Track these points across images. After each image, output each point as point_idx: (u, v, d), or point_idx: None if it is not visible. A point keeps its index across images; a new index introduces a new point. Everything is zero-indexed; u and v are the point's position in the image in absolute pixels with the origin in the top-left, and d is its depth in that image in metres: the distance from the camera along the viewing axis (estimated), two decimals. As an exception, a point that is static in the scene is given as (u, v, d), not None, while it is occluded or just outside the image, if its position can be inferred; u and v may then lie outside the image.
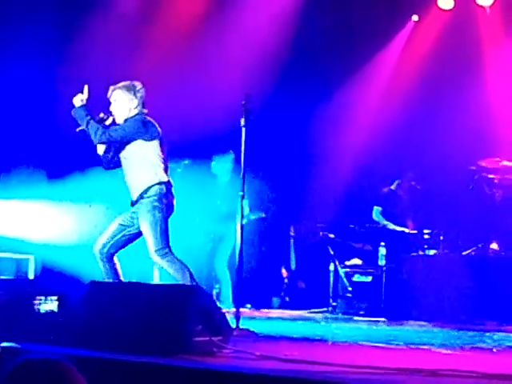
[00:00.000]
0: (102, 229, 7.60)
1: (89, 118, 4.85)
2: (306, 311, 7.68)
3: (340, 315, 7.30)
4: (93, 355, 3.37)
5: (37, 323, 3.90)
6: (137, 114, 4.87)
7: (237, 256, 5.04)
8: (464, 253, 7.07)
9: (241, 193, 5.06)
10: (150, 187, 4.79)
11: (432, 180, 7.87)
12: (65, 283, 5.56)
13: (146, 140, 4.80)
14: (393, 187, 8.02)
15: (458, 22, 8.27)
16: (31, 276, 7.34)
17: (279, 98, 8.51)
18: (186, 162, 6.88)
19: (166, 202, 4.81)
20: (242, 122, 5.02)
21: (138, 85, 4.93)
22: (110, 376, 3.17)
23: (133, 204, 4.89)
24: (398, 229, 7.78)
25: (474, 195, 7.15)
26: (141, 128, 4.80)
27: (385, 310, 7.09)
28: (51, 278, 7.31)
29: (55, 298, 3.91)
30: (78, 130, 4.93)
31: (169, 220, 4.87)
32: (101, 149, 4.98)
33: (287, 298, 8.52)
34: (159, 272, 7.82)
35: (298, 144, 8.66)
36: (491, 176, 7.08)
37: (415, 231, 7.66)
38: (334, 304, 7.58)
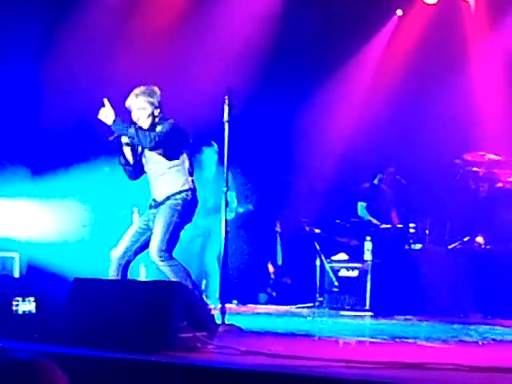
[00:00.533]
0: (90, 227, 7.64)
1: (133, 125, 4.68)
2: (293, 306, 7.67)
3: (326, 310, 7.30)
4: (77, 353, 3.34)
5: (15, 321, 3.86)
6: (165, 119, 4.77)
7: (222, 251, 5.02)
8: (450, 247, 7.10)
9: (224, 188, 5.03)
10: (178, 193, 4.70)
11: (417, 174, 7.88)
12: (49, 281, 5.53)
13: (180, 146, 4.74)
14: (375, 181, 8.03)
15: (443, 16, 8.27)
16: (16, 274, 7.29)
17: (262, 93, 8.49)
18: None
19: (188, 209, 4.73)
20: (225, 116, 5.00)
21: (157, 89, 4.82)
22: (95, 373, 3.14)
23: (155, 206, 4.78)
24: (383, 225, 7.79)
25: (460, 189, 7.17)
26: (179, 133, 4.73)
27: (371, 304, 7.10)
28: (36, 276, 7.26)
29: (33, 299, 3.86)
30: (111, 138, 4.70)
31: (183, 227, 4.75)
32: (131, 159, 4.79)
33: (274, 294, 8.51)
34: (145, 269, 7.79)
35: (282, 139, 8.64)
36: (476, 170, 7.10)
37: (401, 225, 7.68)
38: (321, 299, 7.58)
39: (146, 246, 4.80)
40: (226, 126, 5.03)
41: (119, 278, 4.73)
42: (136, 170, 4.84)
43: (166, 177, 4.75)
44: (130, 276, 5.48)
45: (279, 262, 8.72)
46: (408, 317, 6.45)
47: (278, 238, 8.71)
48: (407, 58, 8.49)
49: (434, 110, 7.93)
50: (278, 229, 8.72)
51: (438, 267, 6.89)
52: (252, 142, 8.17)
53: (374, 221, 7.82)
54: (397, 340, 4.46)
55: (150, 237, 4.74)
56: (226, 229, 5.01)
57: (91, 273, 5.68)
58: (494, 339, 4.68)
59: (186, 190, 4.73)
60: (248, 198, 7.88)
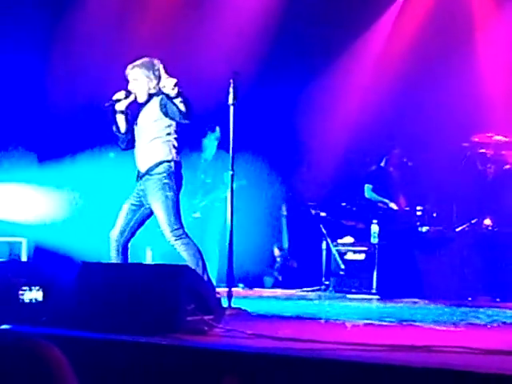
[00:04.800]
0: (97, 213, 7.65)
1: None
2: (299, 290, 7.67)
3: (333, 293, 7.29)
4: (84, 336, 3.34)
5: (22, 309, 3.86)
6: (161, 93, 4.78)
7: (227, 235, 5.01)
8: (457, 229, 7.06)
9: (231, 172, 5.02)
10: (160, 163, 4.75)
11: (424, 156, 7.83)
12: (57, 265, 5.53)
13: (170, 119, 4.78)
14: (382, 164, 7.99)
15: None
16: (24, 258, 7.32)
17: (268, 76, 8.44)
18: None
19: (175, 179, 4.77)
20: (231, 100, 4.97)
21: (157, 62, 4.85)
22: (102, 356, 3.15)
23: (139, 177, 4.85)
24: (392, 205, 7.76)
25: (467, 171, 7.12)
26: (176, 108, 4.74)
27: (378, 287, 7.08)
28: (43, 260, 7.29)
29: (40, 287, 3.86)
30: (106, 104, 4.84)
31: (179, 198, 4.80)
32: (123, 128, 4.88)
33: (280, 277, 8.51)
34: (152, 252, 7.81)
35: (287, 122, 8.60)
36: (484, 151, 7.05)
37: (407, 208, 7.64)
38: (327, 282, 7.57)
39: (142, 223, 4.88)
40: (232, 108, 5.00)
41: (120, 258, 4.78)
42: (128, 139, 4.91)
43: (151, 146, 4.80)
44: (135, 259, 5.50)
45: (285, 246, 8.71)
46: (415, 300, 6.43)
47: (284, 222, 8.69)
48: (413, 39, 8.41)
49: (441, 92, 7.86)
50: (284, 212, 8.71)
51: (446, 250, 6.87)
52: (257, 125, 8.14)
53: (385, 200, 7.77)
54: (404, 323, 4.44)
55: (145, 214, 4.82)
56: (232, 213, 4.99)
57: (98, 256, 5.70)
58: (503, 322, 4.66)
59: (169, 161, 4.76)
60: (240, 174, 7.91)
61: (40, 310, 3.86)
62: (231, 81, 4.98)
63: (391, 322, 4.49)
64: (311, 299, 6.64)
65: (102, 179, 7.76)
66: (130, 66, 4.86)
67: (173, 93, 4.60)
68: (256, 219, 8.48)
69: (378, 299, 6.77)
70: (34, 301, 3.93)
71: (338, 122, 8.41)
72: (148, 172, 4.78)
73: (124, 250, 4.84)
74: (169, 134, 4.80)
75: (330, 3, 8.36)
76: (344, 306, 5.98)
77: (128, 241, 4.85)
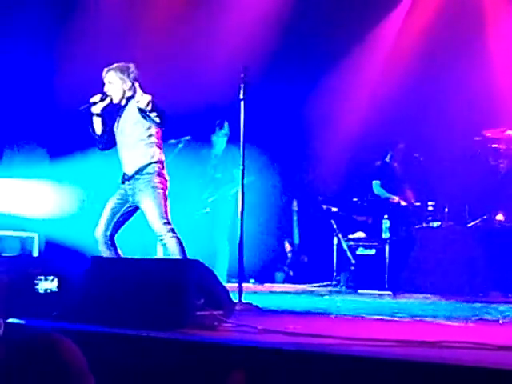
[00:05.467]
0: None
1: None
2: (310, 285, 7.66)
3: (344, 289, 7.28)
4: (94, 330, 3.35)
5: (37, 300, 3.88)
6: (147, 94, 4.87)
7: (238, 230, 5.00)
8: (469, 224, 7.02)
9: (241, 167, 5.01)
10: (148, 164, 4.88)
11: (436, 151, 7.78)
12: (68, 260, 5.56)
13: (153, 122, 4.88)
14: (387, 159, 7.95)
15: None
16: (36, 254, 7.36)
17: (278, 72, 8.42)
18: (187, 137, 6.88)
19: (162, 179, 4.91)
20: (241, 94, 4.96)
21: (131, 66, 5.00)
22: (113, 350, 3.15)
23: (126, 179, 4.95)
24: (401, 201, 7.72)
25: (479, 166, 7.07)
26: (156, 111, 4.84)
27: (389, 282, 7.06)
28: (55, 256, 7.32)
29: (55, 277, 3.88)
30: (82, 107, 5.02)
31: (167, 195, 4.92)
32: (99, 130, 5.02)
33: (291, 273, 8.51)
34: (163, 248, 7.82)
35: (297, 118, 8.59)
36: (496, 146, 6.99)
37: (418, 203, 7.60)
38: (338, 278, 7.56)
39: (128, 217, 4.99)
40: (242, 104, 5.00)
41: (111, 251, 4.89)
42: (104, 141, 5.04)
43: (135, 150, 4.90)
44: (146, 255, 5.53)
45: (296, 241, 8.71)
46: (427, 295, 6.40)
47: (295, 217, 8.69)
48: (423, 34, 8.36)
49: (452, 87, 7.81)
50: (295, 207, 8.70)
51: (457, 245, 6.82)
52: (267, 120, 8.13)
53: (393, 197, 7.74)
54: (415, 318, 4.41)
55: (128, 211, 4.94)
56: (243, 208, 4.99)
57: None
58: (514, 317, 4.62)
59: (156, 162, 4.88)
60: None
61: (55, 300, 3.88)
62: (242, 75, 4.98)
63: (402, 317, 4.47)
64: (322, 294, 6.63)
65: (113, 175, 7.78)
66: (105, 70, 5.01)
67: (147, 109, 4.74)
68: (267, 214, 8.48)
69: (389, 294, 6.75)
70: (49, 291, 3.96)
71: (348, 117, 8.38)
72: (138, 173, 4.89)
73: (112, 244, 4.94)
74: (150, 135, 4.91)
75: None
76: (355, 301, 5.96)
77: (113, 235, 4.95)
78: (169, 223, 4.82)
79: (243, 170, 5.02)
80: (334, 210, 7.99)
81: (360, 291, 7.02)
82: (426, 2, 8.58)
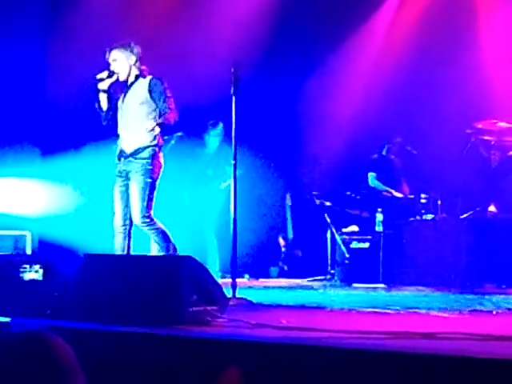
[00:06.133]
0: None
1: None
2: (304, 280, 7.66)
3: (338, 282, 7.28)
4: (87, 327, 3.34)
5: (27, 296, 3.86)
6: (154, 78, 5.02)
7: (231, 225, 4.99)
8: (462, 216, 7.03)
9: (233, 161, 5.00)
10: (146, 147, 4.90)
11: (428, 144, 7.78)
12: (60, 257, 5.55)
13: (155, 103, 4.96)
14: (383, 152, 7.96)
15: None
16: (29, 252, 7.33)
17: (269, 65, 8.41)
18: (180, 134, 6.85)
19: (157, 164, 4.93)
20: (232, 90, 4.95)
21: (133, 42, 5.09)
22: (106, 347, 3.14)
23: (122, 156, 4.99)
24: (397, 194, 7.73)
25: (471, 158, 7.08)
26: (164, 93, 4.97)
27: (383, 275, 7.07)
28: (48, 253, 7.30)
29: (40, 266, 3.87)
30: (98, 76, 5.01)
31: (156, 184, 4.95)
32: (105, 106, 5.07)
33: (285, 267, 8.51)
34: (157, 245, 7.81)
35: (290, 112, 8.57)
36: (488, 138, 7.00)
37: (412, 196, 7.61)
38: (332, 272, 7.56)
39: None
40: (233, 99, 4.98)
41: (126, 244, 4.94)
42: (109, 117, 5.10)
43: (137, 129, 4.92)
44: (140, 252, 5.53)
45: (290, 236, 8.71)
46: (420, 287, 6.42)
47: (289, 212, 8.68)
48: (415, 28, 8.35)
49: (444, 79, 7.81)
50: (288, 202, 8.70)
51: (451, 237, 6.83)
52: (260, 115, 8.11)
53: (389, 190, 7.75)
54: (409, 311, 4.42)
55: None
56: (235, 202, 4.98)
57: (101, 249, 5.70)
58: (508, 308, 4.63)
59: (154, 146, 4.92)
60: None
61: (40, 289, 3.87)
62: (232, 70, 4.97)
63: (396, 309, 4.47)
64: (316, 289, 6.63)
65: (105, 172, 7.76)
66: (107, 50, 5.08)
67: None
68: (260, 209, 8.47)
69: (383, 287, 6.76)
70: (34, 280, 3.95)
71: (340, 111, 8.37)
72: (133, 155, 4.93)
73: (129, 240, 5.00)
74: (154, 118, 4.94)
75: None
76: (349, 294, 5.97)
77: (132, 225, 4.99)
78: (147, 217, 4.84)
79: (235, 165, 5.01)
80: (328, 204, 7.99)
81: (354, 285, 7.03)
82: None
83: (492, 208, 6.95)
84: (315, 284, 7.24)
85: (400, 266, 7.03)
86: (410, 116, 8.00)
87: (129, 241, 5.00)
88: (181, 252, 5.00)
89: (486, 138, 7.00)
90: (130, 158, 4.94)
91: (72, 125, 7.88)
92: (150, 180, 4.88)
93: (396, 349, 2.68)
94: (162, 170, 5.00)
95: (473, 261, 6.59)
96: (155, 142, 4.91)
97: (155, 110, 4.95)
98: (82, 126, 7.87)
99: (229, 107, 5.05)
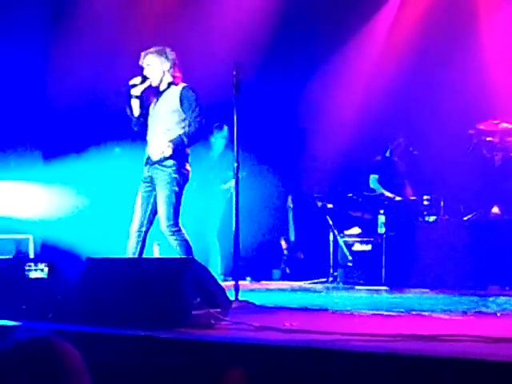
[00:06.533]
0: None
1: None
2: (307, 282, 7.65)
3: (341, 285, 7.26)
4: (91, 331, 3.33)
5: (31, 297, 3.86)
6: (186, 87, 5.00)
7: (233, 228, 4.98)
8: (465, 218, 7.01)
9: (235, 164, 4.99)
10: (172, 156, 4.89)
11: (430, 145, 7.77)
12: (63, 261, 5.55)
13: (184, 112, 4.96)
14: (387, 154, 7.94)
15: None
16: (31, 255, 7.33)
17: (271, 67, 8.40)
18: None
19: (184, 172, 4.93)
20: (234, 91, 4.94)
21: (168, 49, 5.08)
22: (110, 351, 3.13)
23: (149, 163, 4.98)
24: (396, 197, 7.71)
25: (474, 159, 7.06)
26: (195, 102, 4.97)
27: (386, 278, 7.05)
28: (51, 256, 7.30)
29: (45, 265, 3.88)
30: (123, 89, 5.06)
31: (183, 193, 4.96)
32: (137, 112, 5.06)
33: (287, 270, 8.49)
34: (159, 247, 7.81)
35: (291, 114, 8.57)
36: (490, 139, 6.98)
37: (414, 197, 7.59)
38: (335, 274, 7.54)
39: (157, 209, 4.99)
40: (235, 101, 4.98)
41: (138, 249, 4.92)
42: (140, 122, 5.08)
43: (165, 138, 4.90)
44: (144, 254, 5.53)
45: (292, 238, 8.69)
46: (424, 290, 6.40)
47: (291, 214, 8.67)
48: (417, 27, 8.33)
49: (446, 80, 7.80)
50: (290, 204, 8.68)
51: (454, 239, 6.82)
52: (261, 116, 8.11)
53: (387, 193, 7.74)
54: (413, 313, 4.41)
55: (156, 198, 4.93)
56: (237, 204, 4.97)
57: (104, 252, 5.69)
58: (512, 310, 4.62)
59: (181, 155, 4.91)
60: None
61: (45, 287, 3.87)
62: (234, 72, 4.96)
63: (400, 312, 4.46)
64: (319, 291, 6.62)
65: (108, 175, 7.77)
66: (143, 54, 5.04)
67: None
68: (262, 212, 8.46)
69: (386, 290, 6.74)
70: (39, 278, 3.96)
71: (342, 112, 8.36)
72: (159, 162, 4.92)
73: (143, 241, 4.99)
74: (183, 127, 4.93)
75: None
76: (352, 297, 5.95)
77: (147, 231, 5.00)
78: (174, 225, 4.84)
79: (237, 167, 5.00)
80: (330, 206, 7.98)
81: (357, 287, 7.01)
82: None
83: (495, 209, 6.94)
84: (318, 286, 7.23)
85: (403, 268, 7.00)
86: (412, 117, 7.98)
87: (142, 247, 4.98)
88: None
89: (488, 138, 6.98)
90: (156, 165, 4.93)
91: (74, 128, 7.89)
92: (176, 188, 4.87)
93: (400, 351, 2.67)
94: (188, 178, 4.98)
95: (476, 262, 6.57)
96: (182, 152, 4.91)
97: (184, 120, 4.93)
98: (84, 130, 7.88)
99: (230, 110, 5.04)
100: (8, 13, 7.57)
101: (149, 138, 5.04)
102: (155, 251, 7.80)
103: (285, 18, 8.30)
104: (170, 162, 4.88)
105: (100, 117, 7.94)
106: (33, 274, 3.90)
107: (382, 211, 7.40)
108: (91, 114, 7.88)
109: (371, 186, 7.90)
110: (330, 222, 7.73)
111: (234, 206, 4.98)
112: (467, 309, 4.63)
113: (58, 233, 7.58)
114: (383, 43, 8.71)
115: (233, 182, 5.07)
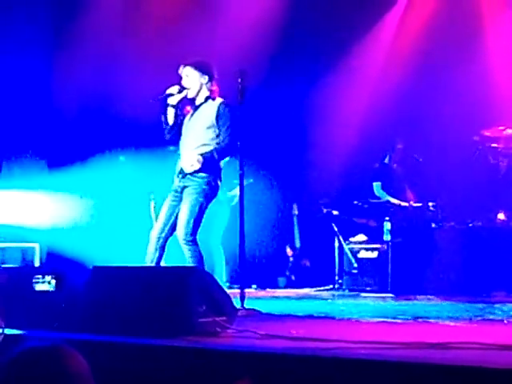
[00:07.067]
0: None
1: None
2: (313, 289, 7.63)
3: (347, 292, 7.25)
4: (97, 339, 3.33)
5: (38, 307, 3.86)
6: (223, 103, 4.98)
7: (238, 235, 4.98)
8: (470, 224, 7.00)
9: (240, 171, 5.00)
10: (204, 169, 4.89)
11: (436, 151, 7.76)
12: (69, 269, 5.56)
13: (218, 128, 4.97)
14: (386, 161, 7.93)
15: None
16: (37, 264, 7.35)
17: (275, 76, 8.42)
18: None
19: (213, 185, 4.95)
20: (239, 98, 4.95)
21: (209, 62, 5.11)
22: (116, 359, 3.14)
23: (181, 175, 5.00)
24: (401, 203, 7.70)
25: (479, 165, 7.05)
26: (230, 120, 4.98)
27: (392, 285, 7.03)
28: (56, 265, 7.31)
29: (52, 277, 3.88)
30: (160, 97, 5.03)
31: (208, 205, 4.98)
32: (171, 121, 5.08)
33: (293, 277, 8.48)
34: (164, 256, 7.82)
35: (294, 122, 8.57)
36: (495, 145, 6.98)
37: (419, 204, 7.58)
38: (340, 281, 7.53)
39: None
40: (240, 108, 4.98)
41: (157, 255, 4.94)
42: (174, 132, 5.09)
43: (198, 151, 4.92)
44: (143, 261, 5.52)
45: (297, 245, 8.69)
46: (430, 297, 6.38)
47: (296, 221, 8.67)
48: (421, 33, 8.35)
49: (450, 86, 7.80)
50: (295, 212, 8.68)
51: (459, 245, 6.80)
52: (265, 124, 8.11)
53: (393, 200, 7.72)
54: (419, 320, 4.39)
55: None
56: (243, 212, 4.97)
57: (109, 260, 5.70)
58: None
59: (213, 169, 4.92)
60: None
61: (53, 300, 3.87)
62: (239, 80, 4.98)
63: (406, 319, 4.45)
64: (324, 298, 6.60)
65: (113, 183, 7.78)
66: (182, 65, 5.05)
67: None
68: (267, 219, 8.46)
69: (392, 297, 6.73)
70: (46, 291, 3.96)
71: (346, 119, 8.36)
72: (192, 173, 4.94)
73: (162, 247, 5.00)
74: (218, 143, 4.95)
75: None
76: (358, 304, 5.94)
77: (168, 238, 5.00)
78: (191, 235, 4.85)
79: (242, 175, 5.00)
80: (335, 213, 7.97)
81: (362, 294, 7.00)
82: (422, 2, 8.57)
83: (501, 215, 6.92)
84: (323, 294, 7.21)
85: (408, 275, 6.99)
86: (418, 123, 7.98)
87: (160, 254, 4.99)
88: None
89: (493, 145, 6.98)
90: (188, 176, 4.95)
91: (78, 137, 7.91)
92: (202, 200, 4.89)
93: (406, 359, 2.66)
94: (216, 193, 5.00)
95: (482, 269, 6.55)
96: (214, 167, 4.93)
97: (218, 136, 4.94)
98: (89, 138, 7.90)
99: (235, 117, 5.03)
100: (12, 21, 7.61)
101: (181, 149, 5.08)
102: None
103: (289, 24, 8.31)
104: (202, 175, 4.91)
105: (105, 125, 7.97)
106: (40, 287, 3.90)
107: (387, 218, 7.39)
108: (96, 122, 7.91)
109: (376, 193, 7.90)
110: (336, 229, 7.72)
111: (239, 213, 4.98)
112: (473, 316, 4.61)
113: (63, 241, 7.60)
114: (387, 50, 8.71)
115: (238, 190, 5.07)
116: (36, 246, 7.46)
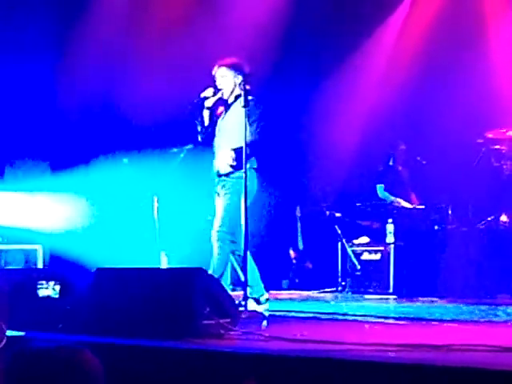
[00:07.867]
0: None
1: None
2: (316, 291, 7.64)
3: (350, 294, 7.25)
4: (101, 341, 3.34)
5: (41, 310, 3.87)
6: (252, 100, 5.00)
7: (242, 239, 4.99)
8: (474, 226, 6.99)
9: (243, 174, 5.00)
10: (239, 168, 4.96)
11: (438, 153, 7.76)
12: (72, 271, 5.57)
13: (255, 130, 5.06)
14: (390, 163, 7.93)
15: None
16: (40, 266, 7.35)
17: (277, 78, 8.42)
18: (189, 146, 6.86)
19: (247, 186, 4.92)
20: (242, 102, 4.97)
21: (242, 61, 5.17)
22: (120, 361, 3.14)
23: (218, 176, 5.12)
24: (406, 204, 7.70)
25: (482, 168, 7.05)
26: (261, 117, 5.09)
27: (394, 287, 7.03)
28: (59, 267, 7.32)
29: (57, 283, 3.88)
30: (196, 100, 5.16)
31: (244, 206, 4.92)
32: (207, 122, 5.17)
33: (296, 280, 8.49)
34: (167, 258, 7.82)
35: (297, 123, 8.57)
36: (498, 147, 6.98)
37: (423, 206, 7.58)
38: (344, 283, 7.53)
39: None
40: (244, 111, 4.99)
41: (217, 248, 5.05)
42: (208, 133, 5.18)
43: (232, 152, 4.99)
44: (151, 265, 5.56)
45: (300, 248, 8.69)
46: (433, 299, 6.38)
47: (299, 223, 8.67)
48: (424, 36, 8.34)
49: (453, 88, 7.79)
50: (298, 214, 8.68)
51: (462, 247, 6.80)
52: (268, 126, 8.11)
53: (398, 200, 7.72)
54: (422, 322, 4.40)
55: None
56: (246, 215, 4.97)
57: (113, 262, 5.70)
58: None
59: (249, 169, 4.96)
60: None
61: (56, 306, 3.88)
62: (242, 83, 5.00)
63: (409, 321, 4.45)
64: (328, 300, 6.61)
65: (116, 185, 7.79)
66: (216, 66, 5.14)
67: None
68: (270, 221, 8.46)
69: (395, 299, 6.73)
70: (50, 297, 3.97)
71: (349, 121, 8.36)
72: (228, 175, 5.06)
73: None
74: (248, 139, 4.95)
75: (338, 3, 8.32)
76: (361, 306, 5.94)
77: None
78: (224, 232, 4.97)
79: (245, 177, 5.00)
80: (338, 215, 7.98)
81: (366, 296, 7.00)
82: (425, 4, 8.57)
83: (504, 218, 6.92)
84: (326, 296, 7.22)
85: (411, 277, 6.99)
86: (419, 126, 7.98)
87: None
88: (192, 265, 5.00)
89: (496, 147, 6.98)
90: (224, 177, 5.07)
91: (81, 139, 7.92)
92: (236, 199, 4.93)
93: (410, 361, 2.66)
94: (252, 193, 5.02)
95: (485, 271, 6.55)
96: (248, 166, 4.94)
97: (252, 134, 4.98)
98: (92, 140, 7.91)
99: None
100: (16, 24, 7.63)
101: (216, 149, 5.15)
102: (163, 261, 7.82)
103: (292, 27, 8.32)
104: (236, 174, 4.98)
105: (108, 127, 7.98)
106: (43, 292, 3.91)
107: (390, 220, 7.39)
108: (99, 124, 7.92)
109: (380, 195, 7.89)
110: (339, 232, 7.72)
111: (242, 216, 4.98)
112: (477, 318, 4.61)
113: (67, 243, 7.60)
114: (390, 52, 8.71)
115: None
116: (39, 247, 7.47)
